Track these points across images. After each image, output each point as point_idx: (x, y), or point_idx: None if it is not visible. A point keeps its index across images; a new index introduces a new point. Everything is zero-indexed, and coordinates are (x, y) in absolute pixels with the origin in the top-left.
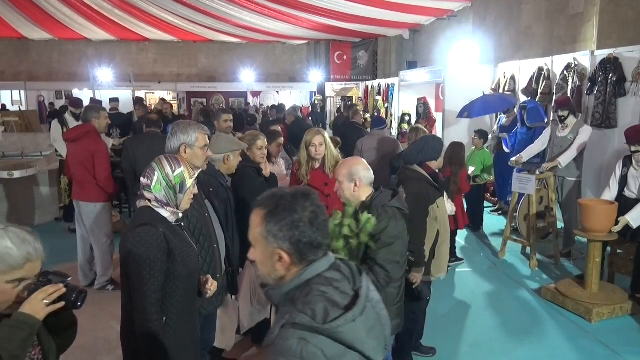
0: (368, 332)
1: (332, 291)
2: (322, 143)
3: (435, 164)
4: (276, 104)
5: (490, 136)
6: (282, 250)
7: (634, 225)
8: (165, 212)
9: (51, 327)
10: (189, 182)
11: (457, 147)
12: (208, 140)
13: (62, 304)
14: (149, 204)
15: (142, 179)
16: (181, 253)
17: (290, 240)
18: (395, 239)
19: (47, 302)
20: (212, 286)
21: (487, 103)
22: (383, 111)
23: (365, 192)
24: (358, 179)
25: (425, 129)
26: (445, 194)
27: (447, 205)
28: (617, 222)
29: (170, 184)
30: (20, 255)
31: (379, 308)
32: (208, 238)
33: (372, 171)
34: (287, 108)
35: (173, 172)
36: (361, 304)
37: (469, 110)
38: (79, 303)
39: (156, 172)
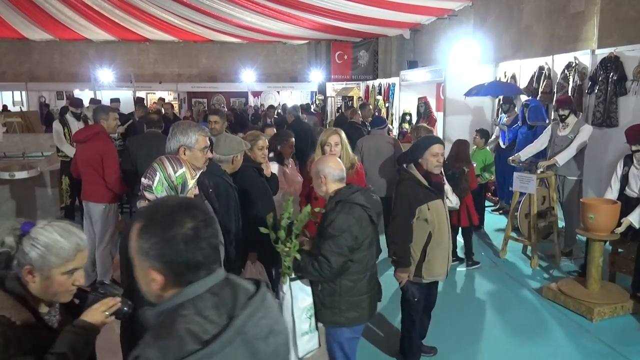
0: None
1: (199, 321)
2: (338, 143)
3: (426, 164)
4: (274, 104)
5: (493, 136)
6: (153, 270)
7: (638, 226)
8: None
9: None
10: (191, 182)
11: (462, 144)
12: (209, 142)
13: (113, 317)
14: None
15: (143, 179)
16: None
17: (162, 260)
18: (342, 232)
19: (108, 313)
20: None
21: (497, 85)
22: (384, 111)
23: (332, 188)
24: (324, 175)
25: (428, 127)
26: (449, 187)
27: (452, 198)
28: (619, 224)
29: (172, 185)
30: (70, 246)
31: (257, 342)
32: None
33: (343, 169)
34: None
35: (175, 172)
36: (225, 338)
37: (477, 89)
38: (126, 316)
39: (158, 173)
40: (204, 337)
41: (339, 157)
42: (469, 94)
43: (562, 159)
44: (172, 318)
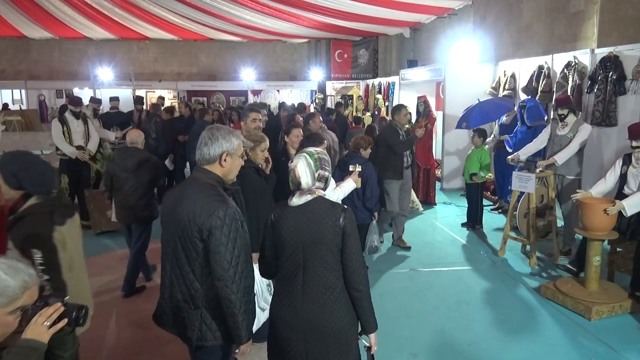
0: None
1: None
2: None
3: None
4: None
5: (490, 138)
6: None
7: (629, 213)
8: None
9: (59, 346)
10: None
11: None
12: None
13: (65, 321)
14: (321, 193)
15: (321, 171)
16: None
17: None
18: None
19: (48, 324)
20: None
21: (484, 112)
22: (384, 109)
23: None
24: None
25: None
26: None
27: None
28: (618, 220)
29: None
30: (17, 285)
31: None
32: None
33: None
34: (287, 105)
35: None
36: None
37: (467, 121)
38: (81, 320)
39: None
40: None
41: None
42: (458, 126)
43: (561, 158)
44: None
